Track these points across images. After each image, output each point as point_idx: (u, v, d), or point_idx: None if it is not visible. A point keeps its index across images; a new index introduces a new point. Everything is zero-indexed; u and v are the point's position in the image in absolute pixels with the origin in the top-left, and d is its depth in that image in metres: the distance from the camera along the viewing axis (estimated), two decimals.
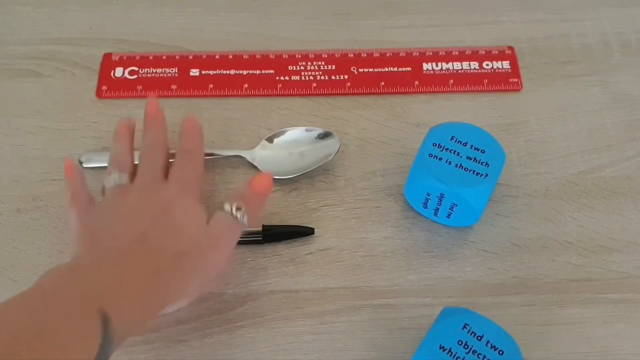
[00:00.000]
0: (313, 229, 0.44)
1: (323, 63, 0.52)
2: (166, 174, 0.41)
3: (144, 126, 0.44)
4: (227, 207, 0.38)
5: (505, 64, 0.52)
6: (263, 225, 0.43)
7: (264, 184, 0.40)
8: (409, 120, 0.49)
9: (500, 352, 0.35)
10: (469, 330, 0.35)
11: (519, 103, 0.50)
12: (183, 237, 0.37)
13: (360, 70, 0.51)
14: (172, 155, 0.43)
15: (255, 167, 0.46)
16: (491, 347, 0.35)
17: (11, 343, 0.28)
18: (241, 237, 0.43)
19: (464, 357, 0.35)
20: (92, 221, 0.39)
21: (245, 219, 0.39)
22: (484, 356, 0.35)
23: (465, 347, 0.35)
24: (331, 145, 0.46)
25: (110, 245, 0.36)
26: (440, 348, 0.35)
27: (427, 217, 0.45)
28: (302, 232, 0.44)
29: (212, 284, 0.42)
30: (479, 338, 0.35)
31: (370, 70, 0.51)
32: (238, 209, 0.38)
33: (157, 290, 0.35)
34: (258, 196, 0.40)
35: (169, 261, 0.36)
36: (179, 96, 0.50)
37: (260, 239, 0.43)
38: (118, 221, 0.38)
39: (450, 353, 0.35)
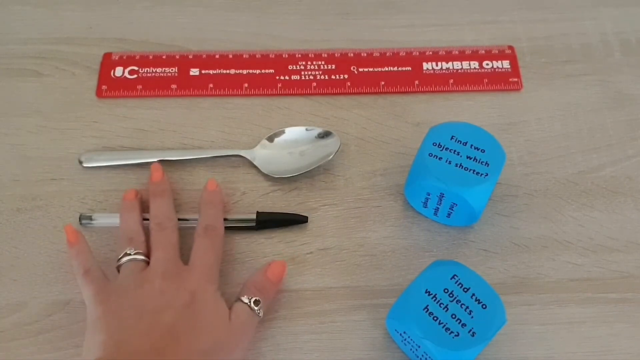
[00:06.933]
0: (307, 217, 0.44)
1: (323, 62, 0.52)
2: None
3: (150, 194, 0.43)
4: (245, 299, 0.39)
5: (505, 64, 0.52)
6: (257, 212, 0.44)
7: (279, 273, 0.41)
8: (408, 120, 0.49)
9: (484, 306, 0.35)
10: (457, 281, 0.36)
11: (519, 102, 0.50)
12: (209, 337, 0.37)
13: (360, 69, 0.51)
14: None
15: (255, 167, 0.46)
16: (475, 300, 0.35)
17: None
18: (235, 224, 0.43)
19: (447, 305, 0.35)
20: (114, 309, 0.37)
21: (262, 312, 0.39)
22: (467, 307, 0.35)
23: (451, 295, 0.36)
24: (331, 144, 0.46)
25: (141, 343, 0.36)
26: (426, 292, 0.36)
27: (427, 217, 0.45)
28: (295, 221, 0.44)
29: None
30: (465, 290, 0.36)
31: (370, 69, 0.51)
32: (256, 302, 0.39)
33: None
34: (273, 285, 0.41)
35: None
36: (179, 96, 0.50)
37: (254, 225, 0.43)
38: (145, 312, 0.37)
39: (434, 298, 0.35)
